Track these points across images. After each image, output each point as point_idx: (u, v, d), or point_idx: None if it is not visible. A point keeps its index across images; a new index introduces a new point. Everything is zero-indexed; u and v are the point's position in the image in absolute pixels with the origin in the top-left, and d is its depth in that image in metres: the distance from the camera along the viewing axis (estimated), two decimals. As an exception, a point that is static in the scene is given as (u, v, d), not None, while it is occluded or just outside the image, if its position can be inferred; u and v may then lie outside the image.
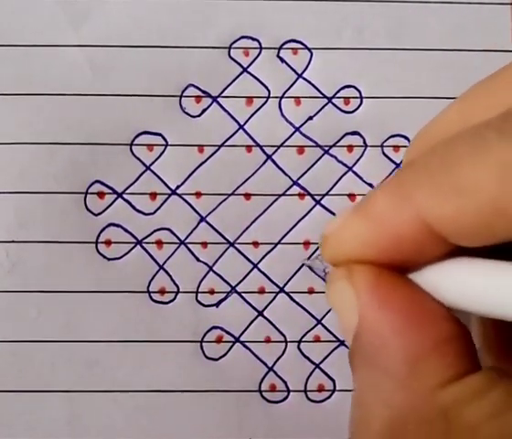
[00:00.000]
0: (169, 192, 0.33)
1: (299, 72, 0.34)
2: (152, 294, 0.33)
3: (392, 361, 0.19)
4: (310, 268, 0.31)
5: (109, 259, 0.33)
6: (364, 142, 0.34)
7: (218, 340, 0.33)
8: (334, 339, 0.33)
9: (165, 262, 0.33)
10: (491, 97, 0.21)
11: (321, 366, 0.33)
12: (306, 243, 0.33)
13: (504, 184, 0.17)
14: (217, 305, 0.33)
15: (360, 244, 0.20)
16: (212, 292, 0.33)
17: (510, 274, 0.18)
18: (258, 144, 0.33)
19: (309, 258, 0.33)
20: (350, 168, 0.34)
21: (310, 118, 0.34)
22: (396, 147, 0.34)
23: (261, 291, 0.33)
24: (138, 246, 0.33)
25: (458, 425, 0.17)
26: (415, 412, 0.18)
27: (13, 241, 0.32)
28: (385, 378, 0.19)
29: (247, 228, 0.33)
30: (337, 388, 0.33)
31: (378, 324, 0.19)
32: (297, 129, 0.34)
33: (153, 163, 0.33)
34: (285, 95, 0.34)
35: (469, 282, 0.19)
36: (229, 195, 0.33)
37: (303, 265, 0.33)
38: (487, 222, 0.18)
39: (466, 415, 0.17)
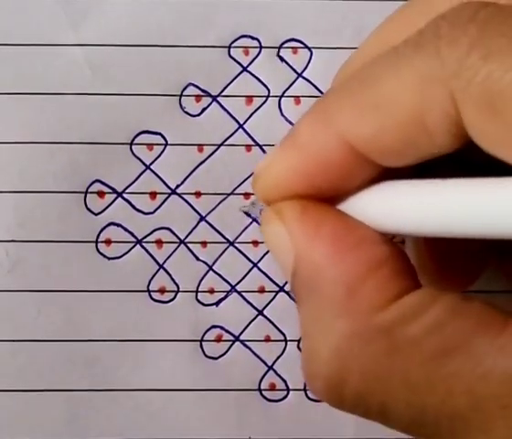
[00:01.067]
0: (169, 191, 0.33)
1: (299, 71, 0.34)
2: (152, 294, 0.33)
3: (330, 290, 0.19)
4: (247, 214, 0.31)
5: (109, 258, 0.33)
6: (364, 140, 0.34)
7: (218, 339, 0.33)
8: (333, 338, 0.33)
9: (164, 261, 0.33)
10: (407, 23, 0.20)
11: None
12: (306, 242, 0.33)
13: (422, 96, 0.17)
14: (216, 304, 0.33)
15: (289, 175, 0.20)
16: (212, 291, 0.33)
17: (435, 191, 0.18)
18: (258, 144, 0.33)
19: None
20: (350, 167, 0.34)
21: (310, 117, 0.34)
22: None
23: (261, 290, 0.33)
24: (138, 245, 0.33)
25: (400, 342, 0.17)
26: (358, 336, 0.18)
27: (13, 241, 0.32)
28: (326, 307, 0.19)
29: (246, 227, 0.33)
30: (337, 387, 0.33)
31: (312, 255, 0.19)
32: (297, 128, 0.34)
33: (152, 162, 0.33)
34: (285, 94, 0.34)
35: (395, 203, 0.19)
36: (229, 194, 0.33)
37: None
38: (408, 138, 0.18)
39: (408, 331, 0.17)
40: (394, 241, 0.20)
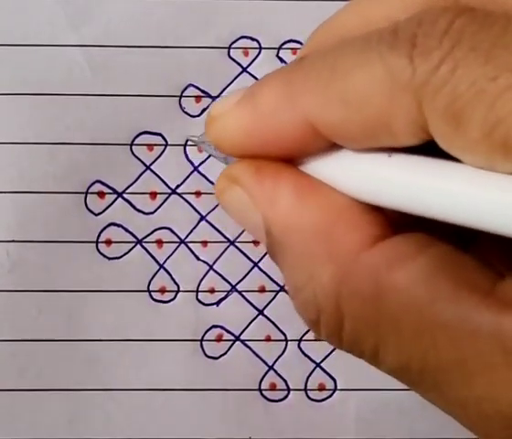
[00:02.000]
0: (169, 191, 0.33)
1: (298, 72, 0.34)
2: (152, 294, 0.33)
3: (305, 240, 0.19)
4: (196, 145, 0.31)
5: (109, 258, 0.33)
6: (364, 141, 0.34)
7: (219, 339, 0.33)
8: (334, 338, 0.33)
9: (165, 261, 0.33)
10: (387, 3, 0.20)
11: (321, 365, 0.33)
12: (306, 242, 0.33)
13: (391, 101, 0.17)
14: (217, 303, 0.33)
15: (243, 137, 0.20)
16: (212, 291, 0.33)
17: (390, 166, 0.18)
18: (257, 144, 0.33)
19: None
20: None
21: (309, 117, 0.34)
22: (396, 147, 0.34)
23: (262, 290, 0.33)
24: (138, 245, 0.33)
25: (387, 287, 0.17)
26: (345, 279, 0.18)
27: (13, 241, 0.32)
28: (306, 259, 0.19)
29: (247, 227, 0.33)
30: (338, 387, 0.33)
31: (276, 211, 0.19)
32: (297, 128, 0.34)
33: (153, 162, 0.33)
34: (285, 95, 0.34)
35: (352, 171, 0.19)
36: (229, 194, 0.33)
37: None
38: (373, 133, 0.18)
39: (395, 277, 0.17)
40: None
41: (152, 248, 0.33)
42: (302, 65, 0.19)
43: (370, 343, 0.18)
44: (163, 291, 0.33)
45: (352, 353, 0.19)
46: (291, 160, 0.20)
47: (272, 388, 0.33)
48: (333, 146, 0.19)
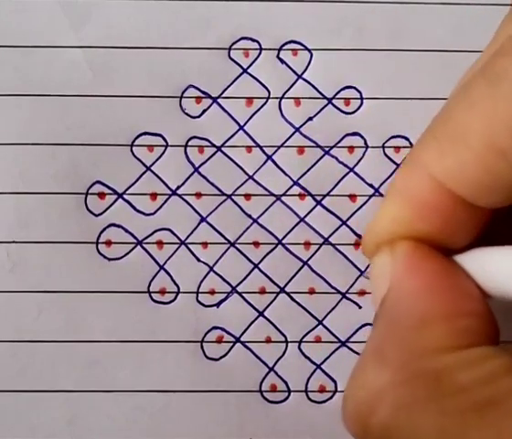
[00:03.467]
0: (169, 192, 0.33)
1: (299, 73, 0.34)
2: (152, 295, 0.33)
3: (404, 319, 0.19)
4: None
5: (109, 259, 0.33)
6: (365, 143, 0.34)
7: (219, 340, 0.33)
8: (335, 340, 0.33)
9: (165, 262, 0.33)
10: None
11: (322, 366, 0.33)
12: (307, 244, 0.33)
13: (491, 119, 0.17)
14: (217, 305, 0.33)
15: (392, 226, 0.21)
16: (213, 292, 0.33)
17: None
18: (258, 145, 0.33)
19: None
20: (351, 169, 0.34)
21: (310, 119, 0.34)
22: (397, 148, 0.34)
23: (262, 291, 0.33)
24: (138, 246, 0.33)
25: (448, 386, 0.17)
26: (408, 368, 0.18)
27: (13, 242, 0.32)
28: (387, 332, 0.19)
29: (247, 228, 0.33)
30: (339, 389, 0.33)
31: (403, 285, 0.20)
32: (297, 129, 0.34)
33: (153, 163, 0.33)
34: (285, 96, 0.34)
35: (500, 267, 0.19)
36: (230, 195, 0.33)
37: (304, 265, 0.33)
38: (487, 165, 0.18)
39: (459, 378, 0.17)
40: (488, 304, 0.20)
41: (152, 249, 0.33)
42: (422, 134, 0.20)
43: (404, 437, 0.18)
44: (163, 292, 0.33)
45: None
46: (445, 241, 0.20)
47: (273, 389, 0.33)
48: (483, 228, 0.19)
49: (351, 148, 0.34)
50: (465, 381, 0.17)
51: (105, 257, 0.33)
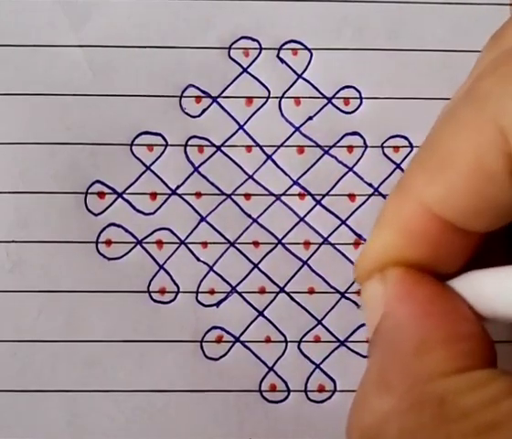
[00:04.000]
0: (169, 192, 0.33)
1: (299, 72, 0.34)
2: (152, 294, 0.33)
3: (403, 345, 0.19)
4: None
5: (109, 259, 0.33)
6: (364, 142, 0.34)
7: (219, 340, 0.33)
8: (334, 340, 0.33)
9: (165, 261, 0.33)
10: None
11: (321, 366, 0.33)
12: (307, 243, 0.33)
13: (477, 142, 0.17)
14: (217, 304, 0.33)
15: (383, 255, 0.21)
16: (212, 292, 0.33)
17: None
18: (258, 144, 0.33)
19: None
20: (351, 169, 0.34)
21: (310, 118, 0.34)
22: (396, 148, 0.34)
23: (262, 291, 0.33)
24: (138, 246, 0.33)
25: (451, 410, 0.18)
26: (412, 394, 0.18)
27: (13, 241, 0.32)
28: (388, 358, 0.19)
29: (247, 228, 0.33)
30: (338, 388, 0.33)
31: (396, 312, 0.20)
32: (297, 129, 0.34)
33: (153, 163, 0.33)
34: (285, 95, 0.34)
35: (494, 289, 0.19)
36: (230, 195, 0.33)
37: (304, 265, 0.33)
38: (475, 189, 0.18)
39: (461, 402, 0.17)
40: (483, 326, 0.20)
41: (152, 248, 0.33)
42: (410, 163, 0.20)
43: None
44: (163, 292, 0.33)
45: None
46: (436, 267, 0.20)
47: (273, 389, 0.33)
48: (474, 253, 0.19)
49: (350, 148, 0.34)
50: (468, 405, 0.17)
51: (105, 257, 0.33)
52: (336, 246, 0.33)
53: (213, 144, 0.33)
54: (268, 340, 0.33)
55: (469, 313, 0.20)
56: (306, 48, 0.34)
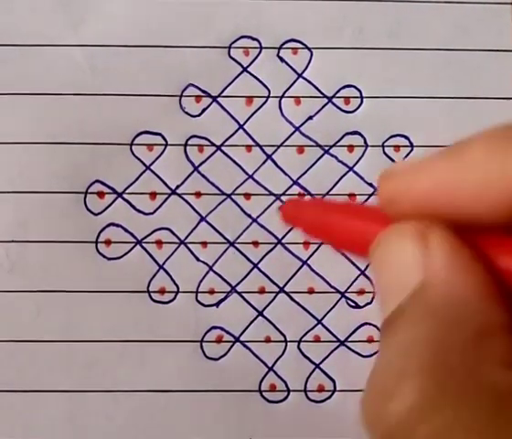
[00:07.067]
0: (169, 192, 0.33)
1: (299, 72, 0.34)
2: (152, 294, 0.33)
3: (462, 324, 0.17)
4: None
5: (109, 258, 0.33)
6: (365, 142, 0.34)
7: (218, 340, 0.33)
8: (334, 339, 0.33)
9: (164, 261, 0.33)
10: None
11: (321, 366, 0.33)
12: (306, 243, 0.33)
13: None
14: (217, 304, 0.33)
15: (441, 187, 0.18)
16: (212, 292, 0.33)
17: None
18: (258, 144, 0.33)
19: None
20: (351, 168, 0.34)
21: (310, 118, 0.34)
22: (396, 147, 0.34)
23: (261, 291, 0.33)
24: (138, 246, 0.33)
25: (510, 410, 0.17)
26: (468, 381, 0.16)
27: (13, 241, 0.32)
28: (449, 337, 0.17)
29: (247, 227, 0.33)
30: (338, 388, 0.33)
31: (454, 286, 0.18)
32: (297, 128, 0.34)
33: (153, 162, 0.33)
34: (285, 95, 0.34)
35: None
36: (230, 195, 0.33)
37: (303, 265, 0.33)
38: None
39: None
40: None
41: (151, 248, 0.33)
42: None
43: None
44: (162, 292, 0.33)
45: None
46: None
47: (272, 389, 0.33)
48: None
49: (351, 147, 0.34)
50: None
51: (104, 256, 0.33)
52: (336, 246, 0.33)
53: (213, 144, 0.33)
54: (268, 340, 0.33)
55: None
56: (306, 48, 0.34)
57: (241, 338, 0.33)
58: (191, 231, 0.33)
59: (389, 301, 0.19)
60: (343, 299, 0.33)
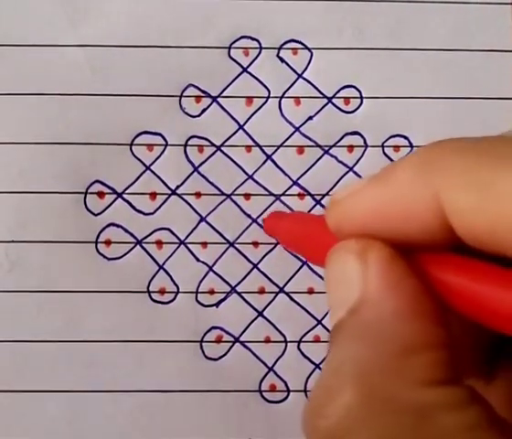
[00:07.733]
0: (169, 192, 0.33)
1: (299, 72, 0.34)
2: (152, 294, 0.33)
3: (387, 343, 0.18)
4: None
5: (109, 259, 0.33)
6: (364, 142, 0.34)
7: (218, 340, 0.33)
8: (334, 339, 0.33)
9: (164, 261, 0.33)
10: None
11: (321, 366, 0.33)
12: (306, 243, 0.33)
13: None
14: (216, 305, 0.33)
15: (374, 211, 0.19)
16: (212, 292, 0.33)
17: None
18: (258, 144, 0.33)
19: None
20: (351, 168, 0.34)
21: (310, 118, 0.34)
22: (396, 147, 0.34)
23: (261, 291, 0.33)
24: (138, 246, 0.33)
25: (432, 427, 0.17)
26: (391, 399, 0.17)
27: (13, 241, 0.32)
28: (373, 356, 0.18)
29: (247, 228, 0.33)
30: (337, 388, 0.33)
31: (385, 304, 0.18)
32: (297, 129, 0.34)
33: (153, 163, 0.33)
34: (285, 95, 0.34)
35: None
36: (229, 195, 0.33)
37: (303, 265, 0.33)
38: (505, 233, 0.17)
39: (443, 421, 0.17)
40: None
41: (151, 249, 0.33)
42: (439, 147, 0.19)
43: None
44: (162, 292, 0.33)
45: None
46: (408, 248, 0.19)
47: (272, 389, 0.33)
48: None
49: (351, 147, 0.34)
50: (447, 427, 0.17)
51: (104, 257, 0.33)
52: (336, 246, 0.33)
53: (213, 144, 0.33)
54: (268, 340, 0.33)
55: (442, 313, 0.19)
56: (306, 48, 0.34)
57: (241, 339, 0.33)
58: (191, 232, 0.33)
59: (333, 315, 0.20)
60: (343, 299, 0.33)
